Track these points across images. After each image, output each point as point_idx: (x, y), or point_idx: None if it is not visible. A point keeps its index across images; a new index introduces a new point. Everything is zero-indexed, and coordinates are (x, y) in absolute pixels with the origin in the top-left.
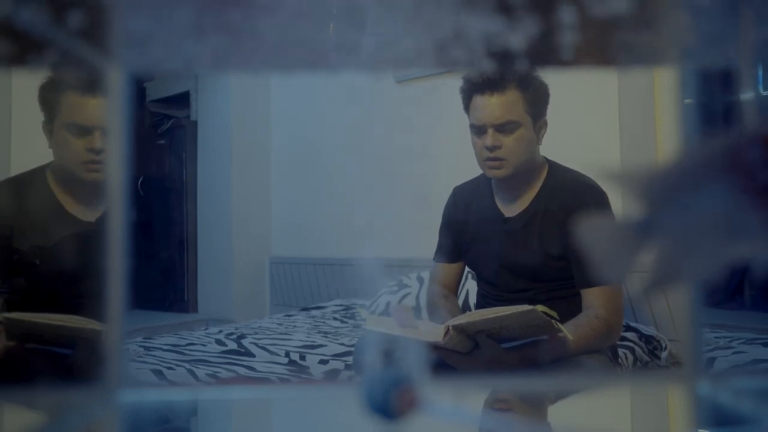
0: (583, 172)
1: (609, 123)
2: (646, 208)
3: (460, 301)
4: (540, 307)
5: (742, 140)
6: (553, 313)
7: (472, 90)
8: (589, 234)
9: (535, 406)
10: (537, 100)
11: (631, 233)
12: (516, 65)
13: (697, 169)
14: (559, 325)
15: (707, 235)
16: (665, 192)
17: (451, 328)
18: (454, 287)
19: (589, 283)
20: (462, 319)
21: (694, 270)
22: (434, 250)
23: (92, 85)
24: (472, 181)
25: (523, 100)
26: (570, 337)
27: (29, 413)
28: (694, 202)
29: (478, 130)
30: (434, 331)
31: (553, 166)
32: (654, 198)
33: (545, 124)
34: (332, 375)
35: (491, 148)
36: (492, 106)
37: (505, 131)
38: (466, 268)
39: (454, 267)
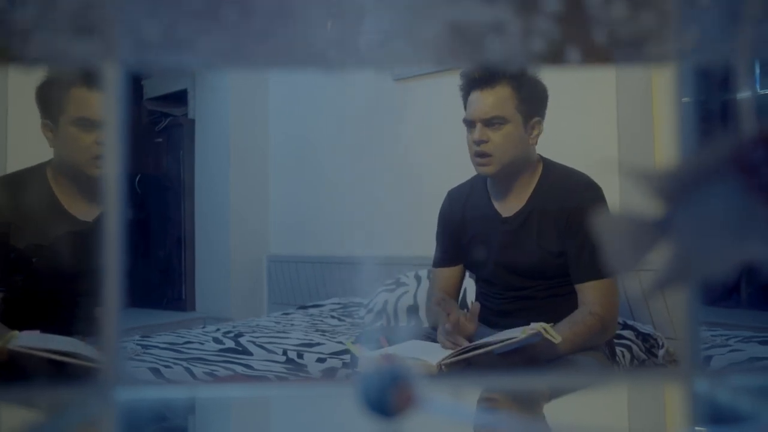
0: (579, 168)
1: (607, 121)
2: (664, 206)
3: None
4: (539, 326)
5: (746, 139)
6: (555, 334)
7: (467, 88)
8: (606, 226)
9: (533, 405)
10: (529, 98)
11: (649, 230)
12: (510, 62)
13: (708, 169)
14: (552, 331)
15: (719, 234)
16: (680, 191)
17: (443, 366)
18: (455, 292)
19: (584, 278)
20: (453, 356)
21: (707, 268)
22: (432, 256)
23: (97, 79)
24: (466, 182)
25: (513, 97)
26: (559, 338)
27: (27, 411)
28: (706, 201)
29: (469, 124)
30: (427, 371)
31: (548, 164)
32: (671, 197)
33: (539, 123)
34: (330, 373)
35: (478, 142)
36: (481, 101)
37: (492, 126)
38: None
39: (453, 271)
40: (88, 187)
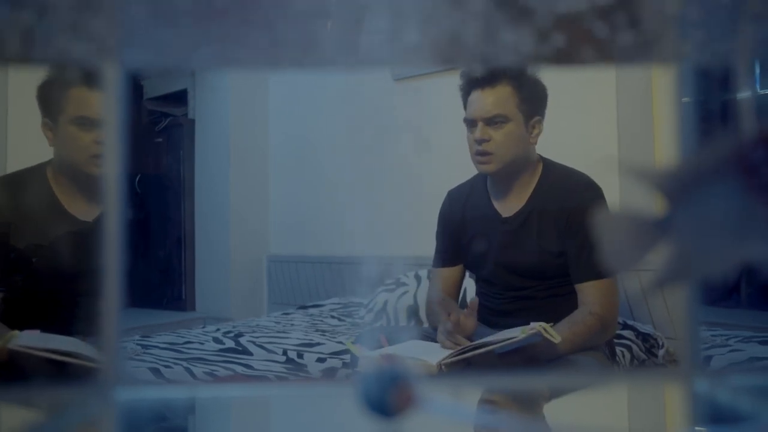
0: (579, 168)
1: (607, 121)
2: (666, 206)
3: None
4: (539, 326)
5: (746, 140)
6: (554, 333)
7: (467, 87)
8: (606, 223)
9: (533, 405)
10: (530, 98)
11: (649, 230)
12: (510, 62)
13: (709, 169)
14: (551, 330)
15: (719, 233)
16: (681, 191)
17: (444, 366)
18: (455, 292)
19: (584, 278)
20: (453, 357)
21: (707, 268)
22: (432, 256)
23: (99, 78)
24: (466, 183)
25: (514, 96)
26: (558, 338)
27: (27, 411)
28: (706, 201)
29: (470, 123)
30: (427, 371)
31: (548, 164)
32: (672, 196)
33: (539, 122)
34: (330, 373)
35: (479, 141)
36: (483, 100)
37: (494, 125)
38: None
39: (453, 271)
40: (87, 186)
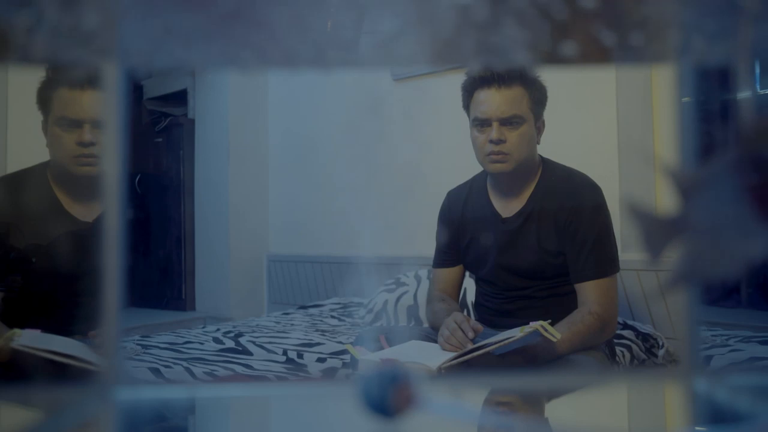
0: (579, 168)
1: (607, 121)
2: (682, 205)
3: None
4: (537, 324)
5: (741, 141)
6: (554, 332)
7: (474, 85)
8: (635, 210)
9: (533, 404)
10: (538, 99)
11: (667, 225)
12: (518, 62)
13: (718, 170)
14: (551, 329)
15: (722, 234)
16: (694, 191)
17: (443, 370)
18: (455, 292)
19: (584, 278)
20: (452, 360)
21: (716, 268)
22: (432, 256)
23: (81, 79)
24: (465, 183)
25: (527, 97)
26: (558, 336)
27: (26, 411)
28: (714, 201)
29: (482, 123)
30: (427, 374)
31: (548, 164)
32: (689, 196)
33: (543, 124)
34: (330, 373)
35: (497, 142)
36: (498, 99)
37: (510, 126)
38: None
39: (453, 271)
40: (77, 185)
